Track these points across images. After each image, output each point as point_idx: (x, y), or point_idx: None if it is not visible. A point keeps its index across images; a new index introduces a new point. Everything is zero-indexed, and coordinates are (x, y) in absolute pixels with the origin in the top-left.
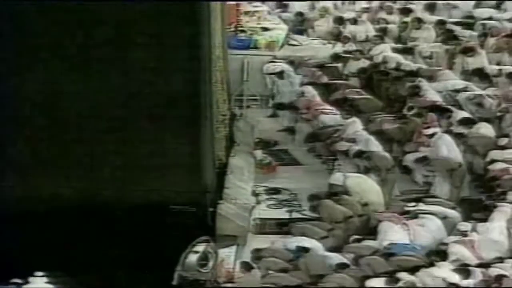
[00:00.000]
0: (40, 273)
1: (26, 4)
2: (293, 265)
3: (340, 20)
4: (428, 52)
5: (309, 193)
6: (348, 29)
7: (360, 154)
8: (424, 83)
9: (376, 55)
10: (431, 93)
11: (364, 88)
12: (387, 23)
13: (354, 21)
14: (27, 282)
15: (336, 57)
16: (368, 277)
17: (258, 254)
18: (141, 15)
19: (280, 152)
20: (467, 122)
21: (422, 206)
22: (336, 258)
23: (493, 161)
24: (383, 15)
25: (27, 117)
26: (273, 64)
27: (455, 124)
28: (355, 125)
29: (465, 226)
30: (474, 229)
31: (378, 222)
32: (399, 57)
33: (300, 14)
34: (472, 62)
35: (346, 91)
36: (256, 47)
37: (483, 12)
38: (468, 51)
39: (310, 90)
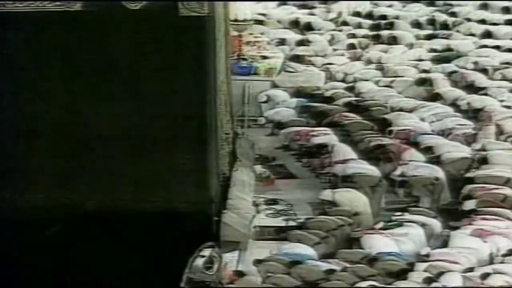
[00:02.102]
0: None
1: (42, 23)
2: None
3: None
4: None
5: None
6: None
7: (345, 178)
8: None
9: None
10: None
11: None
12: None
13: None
14: None
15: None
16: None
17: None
18: (155, 45)
19: (277, 167)
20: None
21: (406, 216)
22: (325, 265)
23: (467, 180)
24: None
25: (52, 135)
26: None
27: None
28: (341, 147)
29: (425, 249)
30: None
31: (361, 236)
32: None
33: (296, 56)
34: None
35: (336, 115)
36: (256, 73)
37: (459, 44)
38: (435, 97)
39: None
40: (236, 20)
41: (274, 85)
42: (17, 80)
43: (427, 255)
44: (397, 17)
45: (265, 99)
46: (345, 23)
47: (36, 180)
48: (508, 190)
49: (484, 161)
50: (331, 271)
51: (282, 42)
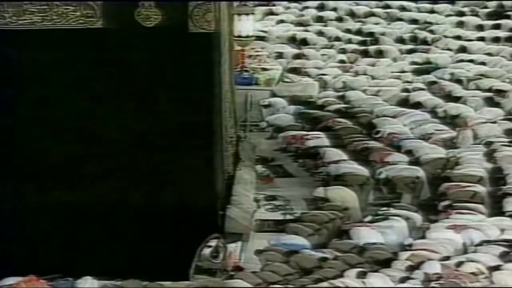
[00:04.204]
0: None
1: (66, 39)
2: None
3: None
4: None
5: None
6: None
7: (337, 177)
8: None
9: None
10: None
11: (343, 117)
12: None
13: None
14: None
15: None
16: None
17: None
18: (167, 58)
19: (276, 167)
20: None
21: (391, 210)
22: (319, 253)
23: (444, 179)
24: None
25: (73, 137)
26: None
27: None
28: (333, 150)
29: (407, 240)
30: (429, 230)
31: (350, 228)
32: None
33: (293, 68)
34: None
35: (329, 120)
36: (257, 83)
37: (438, 58)
38: (416, 105)
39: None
40: (239, 36)
41: (273, 94)
42: (42, 91)
43: (410, 245)
44: (383, 34)
45: (266, 104)
46: (337, 39)
47: (55, 179)
48: (479, 188)
49: (460, 161)
50: (324, 259)
51: (280, 55)
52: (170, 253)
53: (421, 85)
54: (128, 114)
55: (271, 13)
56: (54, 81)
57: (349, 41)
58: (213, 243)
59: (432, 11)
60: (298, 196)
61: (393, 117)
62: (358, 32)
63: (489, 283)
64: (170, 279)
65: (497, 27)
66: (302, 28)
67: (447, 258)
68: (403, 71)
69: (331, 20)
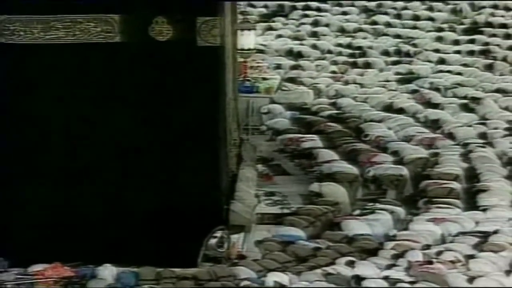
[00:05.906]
0: (108, 265)
1: (87, 52)
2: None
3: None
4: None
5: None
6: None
7: (329, 175)
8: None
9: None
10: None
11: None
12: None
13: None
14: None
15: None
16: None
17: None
18: (177, 69)
19: (275, 166)
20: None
21: (377, 205)
22: (312, 244)
23: (424, 177)
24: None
25: (90, 139)
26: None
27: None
28: (326, 151)
29: (392, 231)
30: (411, 222)
31: (341, 220)
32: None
33: (290, 78)
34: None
35: (322, 125)
36: (258, 92)
37: (419, 69)
38: (399, 110)
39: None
40: (242, 49)
41: (273, 101)
42: (63, 99)
43: (394, 236)
44: (370, 47)
45: (266, 110)
46: (330, 52)
47: (76, 178)
48: (455, 184)
49: (439, 161)
50: (318, 249)
51: (278, 66)
52: (180, 243)
53: (404, 93)
54: (142, 119)
55: (271, 28)
56: (76, 89)
57: (340, 54)
58: (218, 234)
59: (414, 27)
60: (294, 192)
61: (380, 121)
62: (348, 46)
63: (465, 270)
64: (180, 266)
65: (472, 41)
66: (298, 42)
67: (428, 247)
68: (388, 81)
69: (324, 35)
